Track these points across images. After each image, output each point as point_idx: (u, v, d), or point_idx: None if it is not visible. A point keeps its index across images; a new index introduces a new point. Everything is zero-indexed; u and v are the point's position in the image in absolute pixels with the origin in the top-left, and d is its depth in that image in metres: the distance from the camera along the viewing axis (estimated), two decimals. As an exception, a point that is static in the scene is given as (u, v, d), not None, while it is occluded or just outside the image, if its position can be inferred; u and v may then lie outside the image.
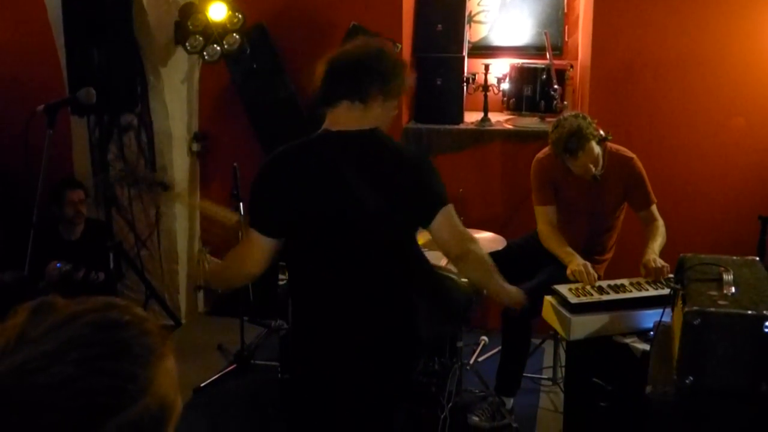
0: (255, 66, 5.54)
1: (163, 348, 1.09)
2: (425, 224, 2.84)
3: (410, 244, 2.95)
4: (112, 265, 5.23)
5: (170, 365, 1.09)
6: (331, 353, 2.91)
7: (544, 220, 4.37)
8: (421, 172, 2.82)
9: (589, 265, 4.00)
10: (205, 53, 5.29)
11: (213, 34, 5.21)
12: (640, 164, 4.29)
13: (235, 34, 5.26)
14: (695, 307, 2.73)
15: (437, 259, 4.32)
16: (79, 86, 4.63)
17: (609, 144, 4.29)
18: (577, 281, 3.92)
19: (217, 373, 4.93)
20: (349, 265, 2.81)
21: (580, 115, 4.17)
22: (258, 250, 2.84)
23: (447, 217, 2.83)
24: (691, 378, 2.76)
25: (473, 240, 2.95)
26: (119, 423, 0.99)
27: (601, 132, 4.17)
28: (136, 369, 1.03)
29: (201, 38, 5.23)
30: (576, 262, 4.02)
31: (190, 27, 5.23)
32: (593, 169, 4.12)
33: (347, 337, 2.87)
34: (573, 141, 4.04)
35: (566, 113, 4.44)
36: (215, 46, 5.24)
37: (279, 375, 4.51)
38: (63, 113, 4.62)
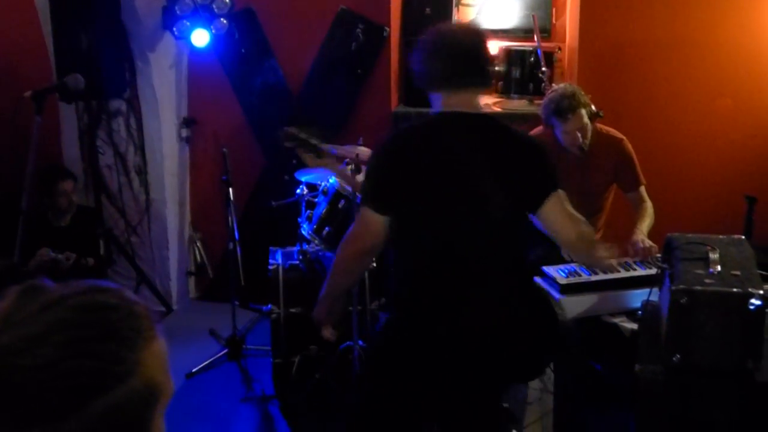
0: (243, 50, 5.54)
1: (151, 330, 1.10)
2: (535, 208, 2.82)
3: (518, 235, 2.92)
4: (102, 251, 5.23)
5: (159, 348, 1.10)
6: (423, 342, 2.87)
7: None
8: (537, 156, 2.87)
9: None
10: (193, 38, 5.28)
11: (201, 18, 5.20)
12: (629, 146, 4.31)
13: (223, 19, 5.25)
14: (682, 286, 2.76)
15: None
16: (67, 72, 4.61)
17: (599, 125, 4.32)
18: (569, 261, 3.94)
19: (209, 359, 4.94)
20: (453, 247, 2.81)
21: (576, 86, 4.23)
22: (374, 225, 2.82)
23: (559, 201, 2.84)
24: (679, 356, 2.79)
25: (584, 221, 2.96)
26: (105, 404, 1.00)
27: (593, 107, 4.20)
28: (122, 351, 1.04)
29: (189, 23, 5.21)
30: None
31: (178, 12, 5.21)
32: (580, 139, 4.14)
33: (437, 325, 2.84)
34: (565, 102, 4.07)
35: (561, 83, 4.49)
36: (203, 30, 5.23)
37: (271, 359, 4.53)
38: (51, 100, 4.61)
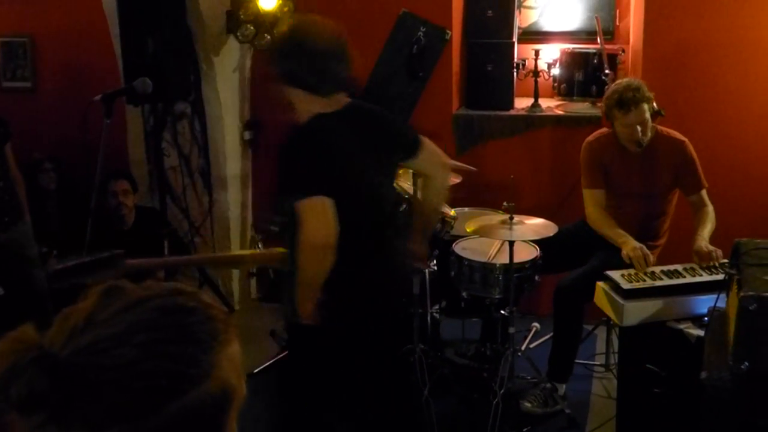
0: (305, 54, 5.58)
1: (227, 334, 1.10)
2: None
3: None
4: (166, 252, 5.32)
5: (233, 351, 1.11)
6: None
7: (593, 203, 4.35)
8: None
9: (644, 248, 3.97)
10: (256, 42, 5.34)
11: (264, 23, 5.26)
12: (691, 148, 4.26)
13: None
14: (751, 292, 2.71)
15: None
16: (134, 75, 4.70)
17: (660, 127, 4.27)
18: (631, 264, 3.90)
19: (270, 359, 4.98)
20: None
21: (641, 81, 4.22)
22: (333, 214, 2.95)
23: None
24: (747, 363, 2.75)
25: None
26: (180, 405, 1.01)
27: (655, 105, 4.17)
28: (198, 354, 1.04)
29: (252, 27, 5.28)
30: (631, 245, 4.00)
31: (242, 16, 5.28)
32: (639, 134, 4.10)
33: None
34: (629, 94, 4.05)
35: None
36: (266, 35, 5.29)
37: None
38: (118, 102, 4.70)
